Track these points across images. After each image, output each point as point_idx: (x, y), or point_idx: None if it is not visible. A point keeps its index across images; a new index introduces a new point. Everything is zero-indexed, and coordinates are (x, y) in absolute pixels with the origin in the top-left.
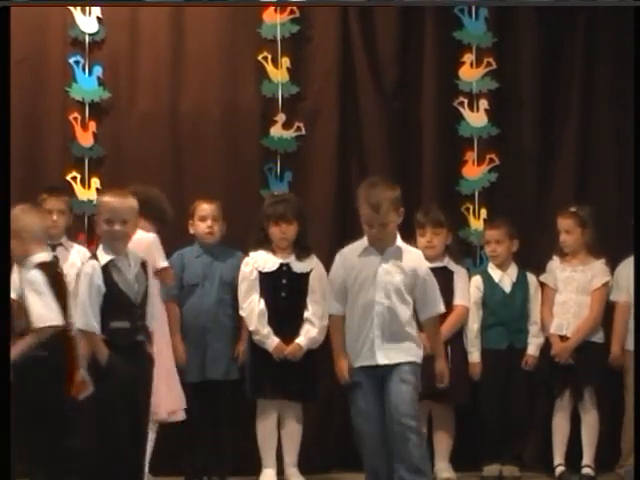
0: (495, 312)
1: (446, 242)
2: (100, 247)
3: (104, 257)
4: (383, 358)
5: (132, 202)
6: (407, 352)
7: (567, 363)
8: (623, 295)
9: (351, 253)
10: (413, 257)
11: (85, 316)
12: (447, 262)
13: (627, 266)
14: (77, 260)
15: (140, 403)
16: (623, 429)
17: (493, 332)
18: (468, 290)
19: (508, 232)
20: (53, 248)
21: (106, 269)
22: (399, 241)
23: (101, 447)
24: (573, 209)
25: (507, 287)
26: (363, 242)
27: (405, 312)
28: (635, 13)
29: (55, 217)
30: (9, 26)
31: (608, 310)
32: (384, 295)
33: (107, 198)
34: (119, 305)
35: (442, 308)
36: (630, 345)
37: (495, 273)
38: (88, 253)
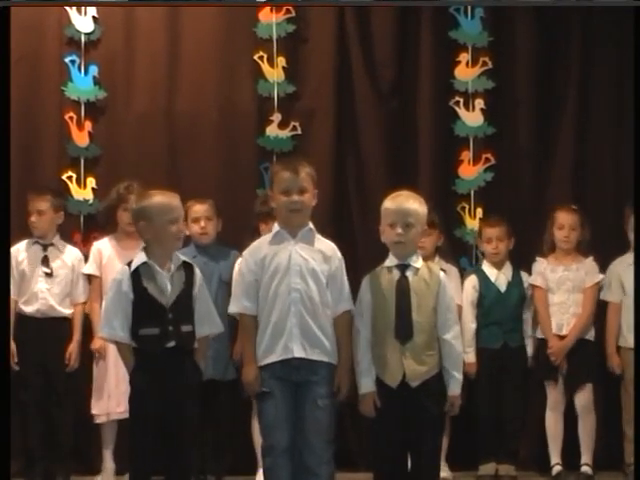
0: (490, 311)
1: (437, 243)
2: (141, 248)
3: (138, 259)
4: (300, 351)
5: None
6: (325, 350)
7: (559, 362)
8: (615, 294)
9: (260, 244)
10: (326, 244)
11: (108, 325)
12: (437, 262)
13: (618, 265)
14: (68, 261)
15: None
16: (623, 426)
17: (487, 331)
18: (460, 289)
19: (507, 230)
20: (44, 248)
21: (136, 273)
22: (311, 224)
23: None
24: (574, 206)
25: (502, 286)
26: (274, 228)
27: (323, 298)
28: (635, 13)
29: (33, 218)
30: (9, 26)
31: (599, 308)
32: (300, 279)
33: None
34: (148, 311)
35: (352, 305)
36: (624, 342)
37: (491, 272)
38: (79, 254)
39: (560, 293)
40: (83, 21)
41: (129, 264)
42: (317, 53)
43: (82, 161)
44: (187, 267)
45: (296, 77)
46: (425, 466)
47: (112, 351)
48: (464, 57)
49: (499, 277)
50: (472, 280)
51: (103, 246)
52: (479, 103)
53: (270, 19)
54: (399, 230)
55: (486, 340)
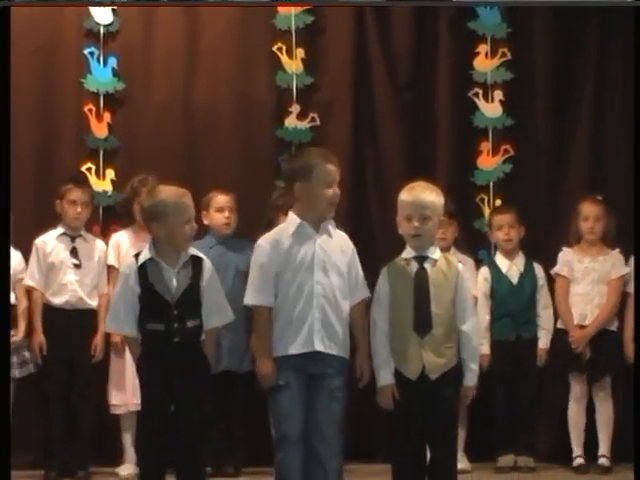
0: (502, 303)
1: (456, 234)
2: (149, 242)
3: (144, 256)
4: (320, 344)
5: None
6: (341, 345)
7: (581, 352)
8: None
9: (281, 235)
10: (341, 235)
11: (114, 318)
12: (453, 252)
13: None
14: (95, 252)
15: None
16: None
17: (501, 323)
18: (475, 280)
19: (517, 217)
20: (72, 239)
21: (143, 268)
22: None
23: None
24: (599, 197)
25: (514, 278)
26: (293, 220)
27: (343, 291)
28: (635, 13)
29: (79, 209)
30: (9, 26)
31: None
32: (323, 273)
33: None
34: (153, 307)
35: (368, 292)
36: None
37: (503, 263)
38: (104, 246)
39: (585, 284)
40: (102, 13)
41: (137, 257)
42: (335, 44)
43: (101, 153)
44: (195, 261)
45: (314, 68)
46: (443, 458)
47: None
48: (483, 48)
49: (511, 268)
50: (484, 272)
51: (121, 238)
52: (498, 94)
53: (289, 10)
54: (416, 223)
55: (500, 333)
